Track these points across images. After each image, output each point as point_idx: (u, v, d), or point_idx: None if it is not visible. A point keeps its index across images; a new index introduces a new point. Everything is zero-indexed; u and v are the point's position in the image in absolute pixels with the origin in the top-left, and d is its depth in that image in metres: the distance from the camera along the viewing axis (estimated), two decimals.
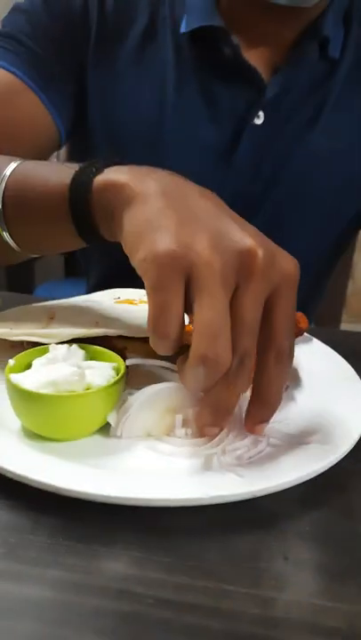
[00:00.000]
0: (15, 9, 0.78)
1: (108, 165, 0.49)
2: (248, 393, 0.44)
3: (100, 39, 0.78)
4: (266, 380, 0.42)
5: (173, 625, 0.32)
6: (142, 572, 0.36)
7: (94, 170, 0.49)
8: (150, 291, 0.40)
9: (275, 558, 0.37)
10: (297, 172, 0.81)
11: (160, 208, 0.42)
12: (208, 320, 0.38)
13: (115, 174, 0.47)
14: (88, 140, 0.84)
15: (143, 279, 0.40)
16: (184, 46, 0.77)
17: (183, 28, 0.76)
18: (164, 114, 0.79)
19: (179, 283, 0.39)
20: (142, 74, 0.79)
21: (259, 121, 0.78)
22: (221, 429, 0.45)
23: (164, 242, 0.39)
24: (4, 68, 0.75)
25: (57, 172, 0.53)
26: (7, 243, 0.56)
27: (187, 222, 0.41)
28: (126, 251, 0.43)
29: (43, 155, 0.80)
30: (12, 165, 0.54)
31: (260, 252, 0.39)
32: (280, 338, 0.41)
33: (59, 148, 0.84)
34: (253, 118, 0.78)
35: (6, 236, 0.55)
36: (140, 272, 0.41)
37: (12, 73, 0.75)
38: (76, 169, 0.50)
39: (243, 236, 0.40)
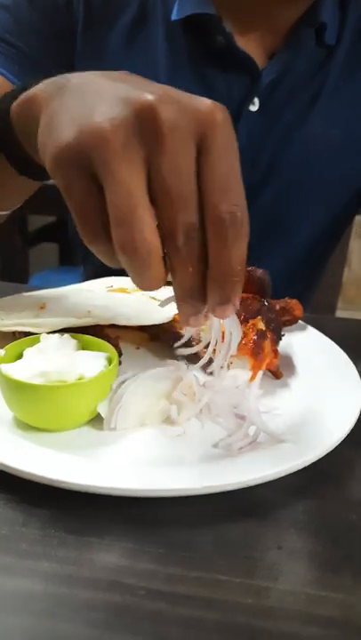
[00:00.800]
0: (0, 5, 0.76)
1: (27, 87, 0.44)
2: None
3: (88, 28, 0.77)
4: (212, 256, 0.35)
5: (166, 616, 0.32)
6: (134, 564, 0.35)
7: (12, 95, 0.45)
8: (64, 197, 0.35)
9: (269, 548, 0.37)
10: (295, 160, 0.81)
11: (58, 108, 0.37)
12: (114, 206, 0.33)
13: (29, 91, 0.43)
14: None
15: None
16: (176, 34, 0.76)
17: (174, 16, 0.74)
18: None
19: (83, 179, 0.34)
20: (133, 63, 0.77)
21: (254, 107, 0.77)
22: (205, 316, 0.39)
23: (56, 141, 0.35)
24: None
25: None
26: None
27: (80, 109, 0.35)
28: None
29: None
30: None
31: (161, 107, 0.33)
32: (212, 201, 0.34)
33: None
34: (249, 105, 0.77)
35: None
36: (53, 179, 0.37)
37: (1, 74, 0.73)
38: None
39: (139, 94, 0.33)
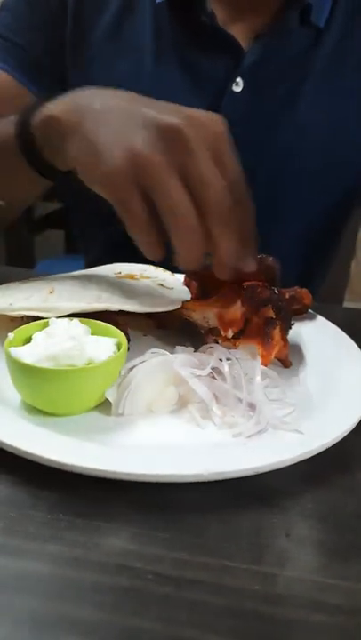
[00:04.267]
0: (1, 6, 0.82)
1: (48, 100, 0.54)
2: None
3: (77, 16, 0.78)
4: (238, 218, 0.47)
5: (173, 600, 0.32)
6: (142, 548, 0.35)
7: (33, 108, 0.54)
8: (117, 207, 0.46)
9: (276, 535, 0.37)
10: (284, 144, 0.80)
11: (91, 132, 0.47)
12: (172, 205, 0.45)
13: (50, 108, 0.52)
14: None
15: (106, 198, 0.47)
16: (161, 16, 0.76)
17: None
18: (141, 85, 0.78)
19: (136, 193, 0.45)
20: (120, 47, 0.78)
21: (238, 88, 0.77)
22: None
23: (107, 164, 0.45)
24: None
25: (6, 121, 0.58)
26: None
27: (119, 134, 0.46)
28: (81, 177, 0.49)
29: None
30: None
31: (184, 127, 0.45)
32: (235, 188, 0.47)
33: None
34: (232, 85, 0.77)
35: None
36: (101, 194, 0.47)
37: (2, 69, 0.79)
38: (22, 110, 0.56)
39: (163, 117, 0.45)
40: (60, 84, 0.81)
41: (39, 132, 0.53)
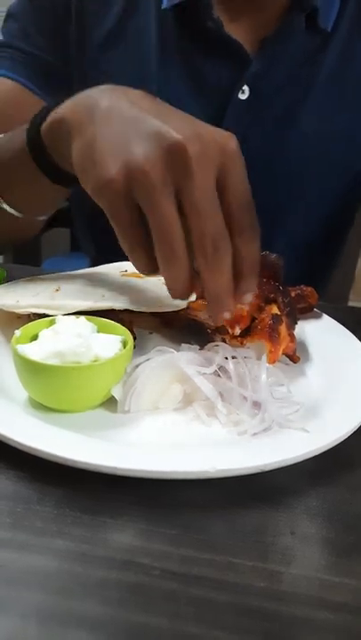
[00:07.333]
0: (8, 16, 0.80)
1: (57, 103, 0.51)
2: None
3: (80, 16, 0.78)
4: (238, 255, 0.43)
5: (179, 596, 0.32)
6: (148, 544, 0.35)
7: (42, 112, 0.52)
8: (109, 217, 0.43)
9: (282, 533, 0.37)
10: (290, 149, 0.80)
11: (93, 135, 0.44)
12: (159, 230, 0.41)
13: (57, 111, 0.50)
14: None
15: None
16: (167, 21, 0.76)
17: (165, 4, 0.74)
18: (144, 89, 0.78)
19: (127, 207, 0.42)
20: (124, 50, 0.78)
21: (243, 96, 0.76)
22: (233, 311, 0.46)
23: (101, 173, 0.42)
24: (3, 75, 0.78)
25: (18, 129, 0.57)
26: (6, 211, 0.60)
27: (117, 141, 0.42)
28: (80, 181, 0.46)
29: None
30: None
31: (188, 145, 0.40)
32: (237, 216, 0.42)
33: None
34: (238, 93, 0.76)
35: (3, 203, 0.59)
36: (94, 200, 0.44)
37: (11, 78, 0.78)
38: (33, 117, 0.54)
39: (169, 131, 0.41)
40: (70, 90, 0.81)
41: (48, 136, 0.51)
